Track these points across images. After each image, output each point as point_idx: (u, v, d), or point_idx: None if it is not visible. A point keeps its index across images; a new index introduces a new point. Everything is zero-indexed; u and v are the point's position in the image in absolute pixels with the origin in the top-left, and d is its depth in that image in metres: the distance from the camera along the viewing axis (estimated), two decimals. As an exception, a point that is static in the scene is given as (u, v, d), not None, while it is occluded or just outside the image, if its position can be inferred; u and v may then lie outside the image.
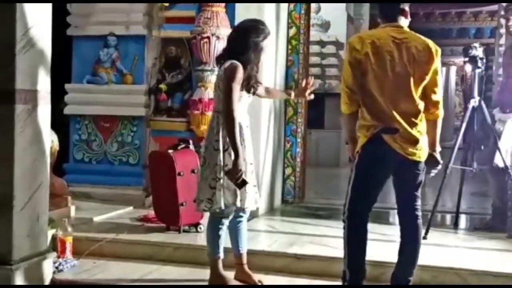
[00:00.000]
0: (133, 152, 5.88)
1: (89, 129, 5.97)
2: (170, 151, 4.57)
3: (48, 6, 3.67)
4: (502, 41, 8.74)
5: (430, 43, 3.23)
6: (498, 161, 4.57)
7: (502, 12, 9.38)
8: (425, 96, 3.21)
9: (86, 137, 5.98)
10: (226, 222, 3.52)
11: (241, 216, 3.62)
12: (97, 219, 4.92)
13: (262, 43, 3.43)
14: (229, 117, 3.31)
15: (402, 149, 3.15)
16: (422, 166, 3.24)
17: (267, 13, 5.15)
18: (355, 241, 3.28)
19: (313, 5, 7.41)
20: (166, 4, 5.38)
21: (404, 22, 3.28)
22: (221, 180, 3.39)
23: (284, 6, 5.71)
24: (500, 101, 4.79)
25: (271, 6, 5.46)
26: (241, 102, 3.43)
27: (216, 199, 3.40)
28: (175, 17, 5.68)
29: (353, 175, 3.25)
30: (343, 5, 9.66)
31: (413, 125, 3.16)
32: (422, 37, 3.26)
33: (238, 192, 3.39)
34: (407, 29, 3.28)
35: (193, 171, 4.56)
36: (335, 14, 9.63)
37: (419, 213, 3.30)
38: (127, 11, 5.73)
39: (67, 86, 5.93)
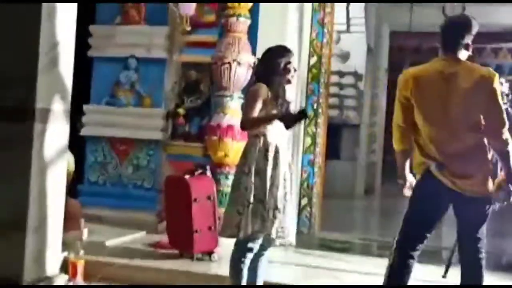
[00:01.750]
0: (148, 176, 5.82)
1: (105, 151, 5.93)
2: (187, 176, 4.50)
3: (72, 26, 3.66)
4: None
5: (484, 71, 3.05)
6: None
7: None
8: (487, 128, 3.06)
9: (102, 159, 5.94)
10: (250, 256, 3.33)
11: (265, 249, 3.42)
12: (109, 242, 4.84)
13: (285, 63, 3.37)
14: (248, 123, 3.27)
15: (453, 184, 3.04)
16: (483, 202, 3.07)
17: (289, 41, 5.11)
18: (394, 276, 3.15)
19: (333, 35, 7.35)
20: (188, 28, 5.36)
21: (463, 55, 3.13)
22: (250, 205, 3.24)
23: (306, 35, 5.70)
24: None
25: (294, 34, 5.45)
26: (273, 124, 3.33)
27: (242, 225, 3.24)
28: (196, 42, 5.66)
29: (408, 209, 3.19)
30: (363, 36, 9.63)
31: (464, 159, 3.02)
32: (478, 66, 3.09)
33: (269, 219, 3.23)
34: (463, 60, 3.12)
35: (209, 198, 4.48)
36: (355, 44, 9.61)
37: (479, 252, 3.12)
38: (149, 34, 5.74)
39: (85, 107, 5.91)
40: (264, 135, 3.30)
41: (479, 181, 3.05)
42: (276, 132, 3.34)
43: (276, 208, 3.27)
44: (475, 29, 3.16)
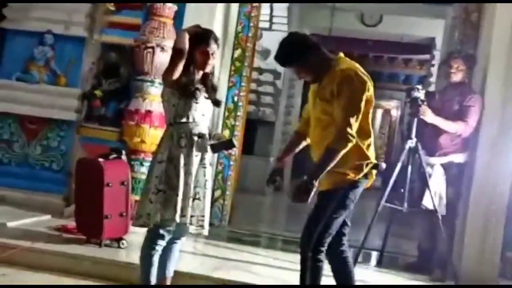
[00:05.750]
0: (58, 158, 5.59)
1: (12, 128, 5.64)
2: (101, 159, 4.35)
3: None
4: (432, 89, 9.06)
5: (339, 67, 3.09)
6: (426, 203, 4.61)
7: (433, 62, 9.83)
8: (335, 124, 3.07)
9: (8, 137, 5.63)
10: (161, 243, 3.26)
11: (178, 238, 3.38)
12: (11, 224, 4.59)
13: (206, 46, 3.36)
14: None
15: None
16: (325, 196, 3.11)
17: (215, 30, 5.05)
18: (320, 275, 3.14)
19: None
20: (112, 8, 5.17)
21: None
22: (161, 192, 3.19)
23: (232, 28, 5.67)
24: (427, 145, 4.72)
25: (219, 25, 5.39)
26: (193, 110, 3.27)
27: (152, 213, 3.19)
28: (119, 23, 5.47)
29: (340, 210, 3.11)
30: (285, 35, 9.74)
31: (316, 154, 3.17)
32: (342, 63, 3.14)
33: (179, 206, 3.17)
34: (343, 57, 3.22)
35: (122, 183, 4.36)
36: (276, 43, 9.64)
37: (342, 246, 3.21)
38: (69, 11, 5.50)
39: (-7, 81, 5.58)
40: (179, 123, 3.25)
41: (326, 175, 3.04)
42: (198, 119, 3.30)
43: (193, 196, 3.23)
44: None
